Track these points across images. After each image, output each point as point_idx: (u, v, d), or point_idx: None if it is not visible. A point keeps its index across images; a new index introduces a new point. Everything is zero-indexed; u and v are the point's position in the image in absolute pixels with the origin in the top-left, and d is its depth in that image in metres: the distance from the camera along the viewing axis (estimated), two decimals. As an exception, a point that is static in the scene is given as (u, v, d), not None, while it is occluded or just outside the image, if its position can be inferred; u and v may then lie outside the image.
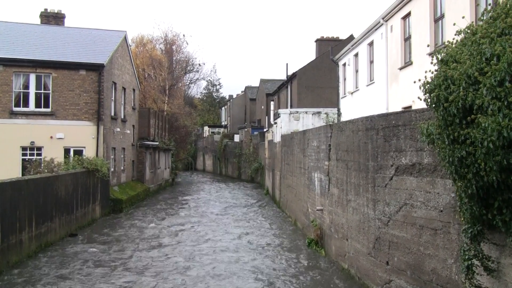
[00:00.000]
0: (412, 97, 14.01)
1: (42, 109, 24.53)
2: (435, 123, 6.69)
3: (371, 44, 21.30)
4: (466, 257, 6.79)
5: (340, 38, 41.80)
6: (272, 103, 50.42)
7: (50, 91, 24.58)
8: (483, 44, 5.96)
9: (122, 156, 29.84)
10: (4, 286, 12.23)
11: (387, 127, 10.19)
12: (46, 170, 19.42)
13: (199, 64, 65.29)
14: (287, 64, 62.30)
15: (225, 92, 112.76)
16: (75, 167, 21.27)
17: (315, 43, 44.05)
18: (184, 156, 61.02)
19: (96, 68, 25.01)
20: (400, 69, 17.50)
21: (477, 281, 6.83)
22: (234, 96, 79.78)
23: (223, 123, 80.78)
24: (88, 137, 24.70)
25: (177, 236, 19.41)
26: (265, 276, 13.42)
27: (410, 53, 16.94)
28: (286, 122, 27.53)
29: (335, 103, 29.37)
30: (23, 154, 23.98)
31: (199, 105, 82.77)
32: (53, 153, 22.45)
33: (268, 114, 52.08)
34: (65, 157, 23.47)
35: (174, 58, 55.34)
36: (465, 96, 5.87)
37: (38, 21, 31.74)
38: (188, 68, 59.72)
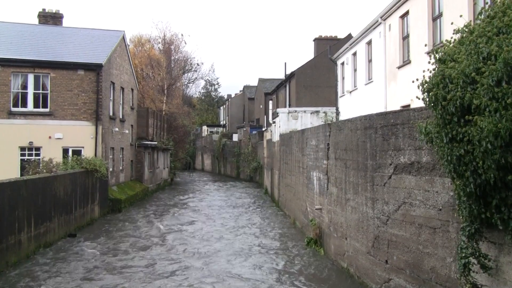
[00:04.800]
0: (411, 96, 14.03)
1: (41, 109, 24.51)
2: (434, 122, 6.70)
3: (369, 43, 21.32)
4: (463, 255, 6.81)
5: (339, 37, 41.82)
6: (270, 102, 50.44)
7: (49, 91, 24.56)
8: (480, 43, 5.97)
9: (120, 156, 29.84)
10: (4, 287, 12.23)
11: (385, 126, 10.21)
12: (44, 170, 19.41)
13: (197, 64, 65.55)
14: (285, 63, 62.62)
15: (223, 92, 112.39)
16: (74, 167, 21.26)
17: (313, 42, 44.05)
18: (182, 155, 60.98)
19: (94, 68, 25.00)
20: (399, 68, 17.53)
21: (473, 279, 6.85)
22: (233, 95, 79.73)
23: (221, 123, 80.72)
24: (87, 137, 24.69)
25: (176, 236, 19.41)
26: (263, 275, 13.43)
27: (408, 52, 16.97)
28: (284, 121, 27.54)
29: (334, 102, 29.39)
30: (22, 155, 23.97)
31: (197, 104, 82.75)
32: (51, 153, 22.45)
33: (266, 113, 52.08)
34: (63, 157, 23.46)
35: (172, 58, 55.31)
36: (463, 96, 5.88)
37: (36, 21, 31.67)
38: (187, 67, 59.76)
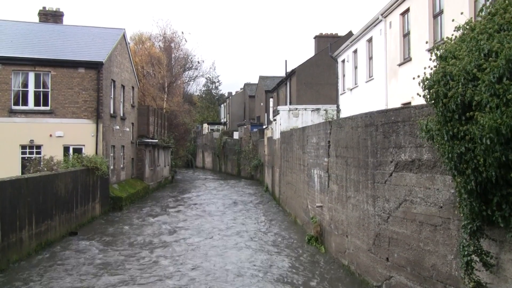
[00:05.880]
0: (411, 93, 14.02)
1: (41, 108, 24.50)
2: (434, 119, 6.69)
3: (370, 40, 21.28)
4: (466, 253, 6.81)
5: (339, 34, 41.73)
6: (271, 100, 50.40)
7: (49, 89, 24.54)
8: (481, 40, 5.96)
9: (121, 154, 29.84)
10: (5, 285, 12.25)
11: (386, 123, 10.20)
12: (45, 169, 19.42)
13: (198, 62, 65.33)
14: (286, 61, 62.57)
15: (224, 89, 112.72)
16: (75, 165, 21.27)
17: (314, 39, 44.00)
18: (183, 153, 60.95)
19: (95, 66, 24.98)
20: (399, 65, 17.50)
21: (476, 277, 6.85)
22: (233, 93, 79.73)
23: (222, 120, 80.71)
24: (88, 135, 24.69)
25: (176, 234, 19.43)
26: (264, 273, 13.44)
27: (409, 49, 16.94)
28: (285, 119, 27.53)
29: (334, 100, 29.36)
30: (23, 153, 23.97)
31: (198, 102, 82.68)
32: (52, 151, 22.45)
33: (267, 111, 52.06)
34: (64, 155, 23.46)
35: (173, 56, 55.24)
36: (464, 92, 5.88)
37: (36, 19, 31.67)
38: (187, 65, 59.64)
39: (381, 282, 10.46)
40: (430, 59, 7.10)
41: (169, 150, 46.10)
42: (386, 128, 10.20)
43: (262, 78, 59.29)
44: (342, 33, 41.77)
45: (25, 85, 24.47)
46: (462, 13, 8.12)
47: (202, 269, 13.88)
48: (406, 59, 16.91)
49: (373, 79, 20.76)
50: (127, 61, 31.73)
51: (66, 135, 24.44)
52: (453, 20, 7.54)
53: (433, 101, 6.54)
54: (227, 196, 33.27)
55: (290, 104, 37.24)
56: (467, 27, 6.65)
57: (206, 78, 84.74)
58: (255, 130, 48.64)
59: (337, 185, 14.02)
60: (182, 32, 74.96)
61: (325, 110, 27.75)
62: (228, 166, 58.37)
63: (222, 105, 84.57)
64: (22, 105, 24.35)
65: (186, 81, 65.88)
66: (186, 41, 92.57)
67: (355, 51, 23.71)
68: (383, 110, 11.09)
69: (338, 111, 26.69)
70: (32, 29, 28.85)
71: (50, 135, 24.23)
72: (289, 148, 24.34)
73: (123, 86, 30.37)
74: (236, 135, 58.02)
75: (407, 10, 16.91)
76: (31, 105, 24.44)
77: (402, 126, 9.51)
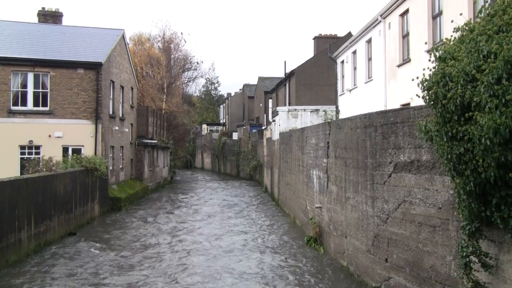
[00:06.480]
0: (411, 94, 14.03)
1: (40, 108, 24.50)
2: (434, 120, 6.70)
3: (369, 41, 21.30)
4: (464, 254, 6.81)
5: (338, 35, 41.74)
6: (270, 100, 50.40)
7: (48, 90, 24.55)
8: (480, 41, 5.97)
9: (120, 154, 29.83)
10: (3, 286, 12.22)
11: (385, 124, 10.20)
12: (44, 169, 19.39)
13: (197, 62, 65.44)
14: (285, 61, 62.68)
15: (223, 90, 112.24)
16: (74, 165, 21.26)
17: (313, 40, 44.02)
18: (182, 154, 60.93)
19: (94, 67, 24.99)
20: (398, 66, 17.51)
21: (475, 278, 6.85)
22: (233, 94, 79.76)
23: (221, 121, 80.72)
24: (87, 136, 24.68)
25: (175, 235, 19.42)
26: (263, 274, 13.43)
27: (408, 50, 16.95)
28: (284, 120, 27.53)
29: (334, 101, 29.38)
30: (22, 153, 23.97)
31: (197, 103, 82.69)
32: (51, 152, 22.42)
33: (266, 112, 52.05)
34: (63, 155, 23.46)
35: (172, 56, 55.24)
36: (463, 94, 5.88)
37: (35, 20, 31.67)
38: (186, 66, 59.67)
39: (380, 283, 10.46)
40: (429, 60, 7.10)
41: (168, 150, 46.09)
42: (385, 129, 10.21)
43: (261, 79, 59.31)
44: (341, 34, 41.76)
45: (24, 85, 24.48)
46: (461, 14, 8.13)
47: (200, 268, 13.86)
48: (405, 60, 16.93)
49: (372, 80, 20.78)
50: (126, 61, 31.73)
51: (65, 136, 24.45)
52: (452, 21, 7.55)
53: (432, 102, 6.55)
54: (226, 197, 33.25)
55: (289, 105, 37.24)
56: (466, 28, 6.66)
57: (205, 79, 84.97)
58: (254, 131, 48.66)
59: (336, 186, 14.02)
60: (182, 33, 75.19)
61: (324, 111, 27.76)
62: (227, 167, 58.35)
63: (221, 106, 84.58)
64: (21, 106, 24.36)
65: (185, 81, 65.93)
66: (185, 41, 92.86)
67: (354, 52, 23.73)
68: (382, 111, 11.09)
69: (337, 112, 26.70)
70: (32, 30, 28.84)
71: (49, 136, 24.23)
72: (288, 149, 24.34)
73: (122, 87, 30.37)
74: (235, 136, 58.01)
75: (406, 11, 16.92)
76: (30, 105, 24.44)
77: (401, 127, 9.51)
